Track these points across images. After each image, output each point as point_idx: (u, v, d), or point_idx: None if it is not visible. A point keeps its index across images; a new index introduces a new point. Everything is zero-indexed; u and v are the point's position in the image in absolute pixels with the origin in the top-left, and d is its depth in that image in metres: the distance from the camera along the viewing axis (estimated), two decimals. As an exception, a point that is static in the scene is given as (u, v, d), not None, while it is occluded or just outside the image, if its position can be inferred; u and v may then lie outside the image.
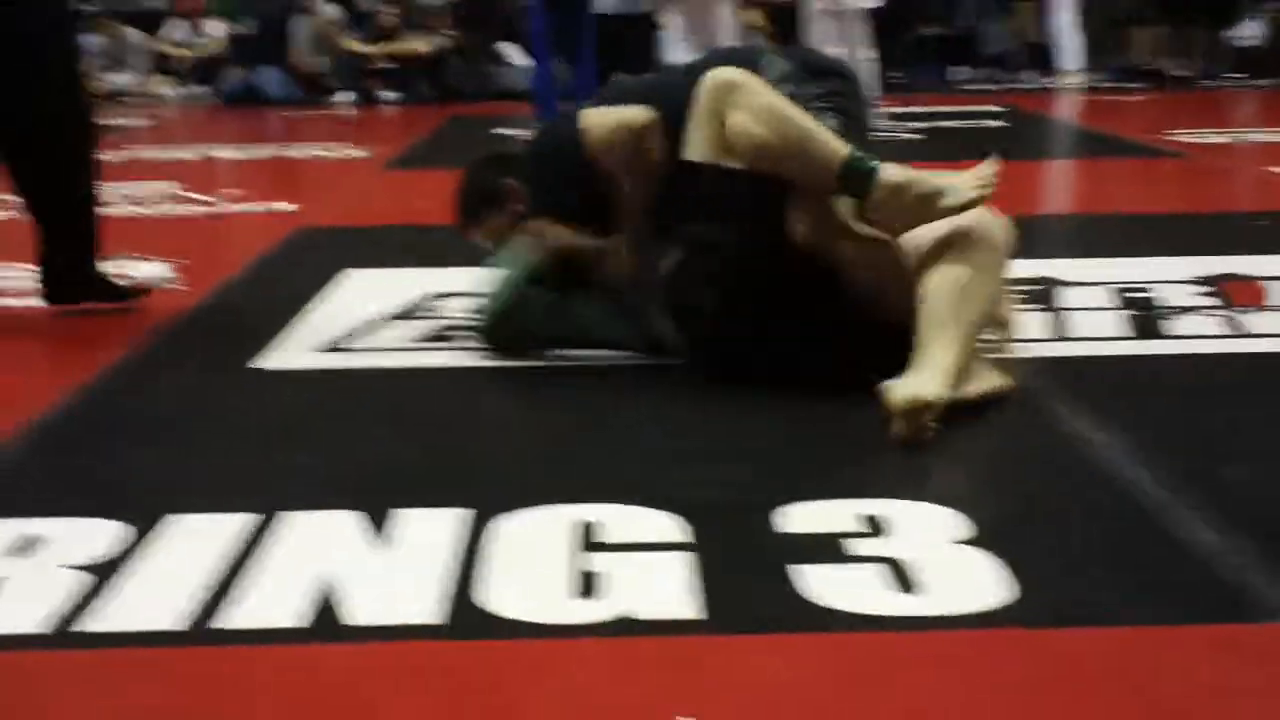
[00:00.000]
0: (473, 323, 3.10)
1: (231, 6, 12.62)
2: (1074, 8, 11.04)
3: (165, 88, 12.35)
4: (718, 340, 2.75)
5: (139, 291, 3.61)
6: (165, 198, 5.77)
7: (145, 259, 4.09)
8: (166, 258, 4.17)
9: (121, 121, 9.61)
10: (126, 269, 3.81)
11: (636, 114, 2.88)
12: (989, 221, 2.69)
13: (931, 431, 2.36)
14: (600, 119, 2.92)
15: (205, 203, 5.69)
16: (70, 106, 3.49)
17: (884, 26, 8.04)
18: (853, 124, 2.83)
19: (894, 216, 2.62)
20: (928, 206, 2.61)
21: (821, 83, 2.91)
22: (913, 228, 2.65)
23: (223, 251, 4.85)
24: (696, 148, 2.72)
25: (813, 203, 2.65)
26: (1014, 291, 2.98)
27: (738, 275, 2.69)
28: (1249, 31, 12.17)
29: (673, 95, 2.82)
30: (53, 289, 3.51)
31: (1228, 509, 2.04)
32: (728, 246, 2.69)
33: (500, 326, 2.98)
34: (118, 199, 5.16)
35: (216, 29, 12.63)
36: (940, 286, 2.56)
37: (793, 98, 2.72)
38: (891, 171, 2.60)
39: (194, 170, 7.10)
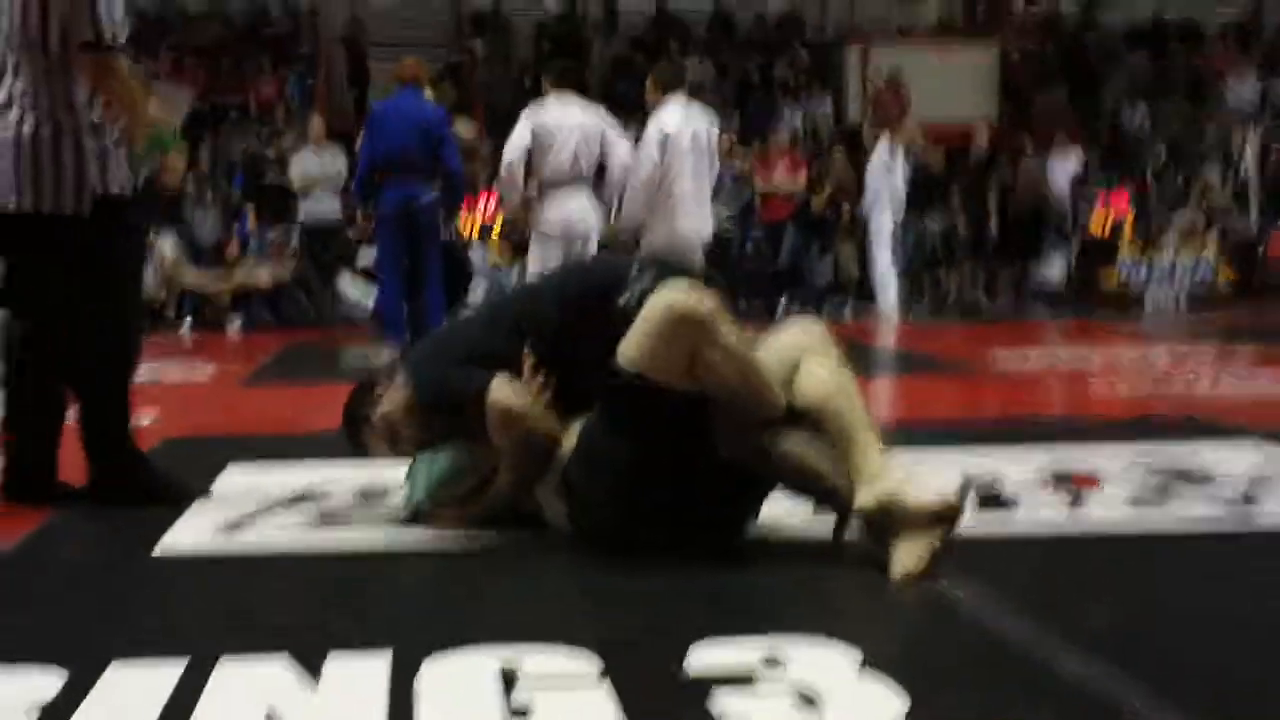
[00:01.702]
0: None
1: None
2: (890, 246, 11.73)
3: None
4: (602, 532, 2.93)
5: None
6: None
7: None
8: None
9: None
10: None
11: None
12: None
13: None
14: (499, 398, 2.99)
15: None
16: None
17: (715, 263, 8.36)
18: None
19: None
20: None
21: None
22: None
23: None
24: (636, 361, 2.80)
25: (739, 425, 2.84)
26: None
27: (634, 476, 2.85)
28: (1056, 266, 13.00)
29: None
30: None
31: (1084, 644, 2.29)
32: (632, 449, 2.83)
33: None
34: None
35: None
36: (830, 392, 2.83)
37: None
38: None
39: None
